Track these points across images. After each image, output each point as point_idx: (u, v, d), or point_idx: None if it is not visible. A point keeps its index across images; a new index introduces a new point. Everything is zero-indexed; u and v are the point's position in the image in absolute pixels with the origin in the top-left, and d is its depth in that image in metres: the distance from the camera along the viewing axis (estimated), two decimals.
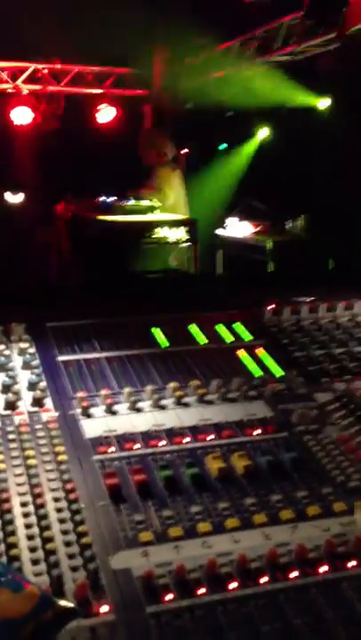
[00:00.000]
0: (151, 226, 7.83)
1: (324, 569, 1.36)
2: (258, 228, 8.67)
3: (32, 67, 8.66)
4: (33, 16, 6.77)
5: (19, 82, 8.66)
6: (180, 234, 8.27)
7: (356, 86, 6.78)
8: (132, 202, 8.09)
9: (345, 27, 4.15)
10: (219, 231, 9.23)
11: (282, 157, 8.43)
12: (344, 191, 7.53)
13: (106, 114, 9.30)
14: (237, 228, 8.99)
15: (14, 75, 8.72)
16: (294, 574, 1.34)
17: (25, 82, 8.74)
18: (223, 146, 9.90)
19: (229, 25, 7.53)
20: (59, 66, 8.78)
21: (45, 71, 8.78)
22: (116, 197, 8.07)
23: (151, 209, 8.10)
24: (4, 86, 8.67)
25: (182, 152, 9.40)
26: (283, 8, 7.10)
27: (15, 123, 8.65)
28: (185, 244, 8.05)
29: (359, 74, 6.71)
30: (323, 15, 3.77)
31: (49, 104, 8.95)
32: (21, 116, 8.67)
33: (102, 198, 8.14)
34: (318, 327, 2.27)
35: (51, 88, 8.93)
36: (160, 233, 7.80)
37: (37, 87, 8.84)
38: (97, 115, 9.23)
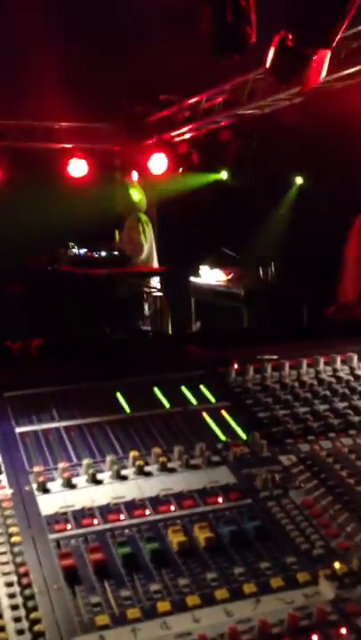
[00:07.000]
0: (125, 277, 7.85)
1: None
2: (229, 276, 8.75)
3: None
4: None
5: None
6: (152, 284, 8.30)
7: None
8: (104, 253, 8.12)
9: (308, 82, 4.22)
10: (192, 279, 9.31)
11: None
12: (313, 240, 7.64)
13: (77, 167, 9.41)
14: (210, 276, 9.06)
15: None
16: None
17: None
18: None
19: (196, 80, 7.70)
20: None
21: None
22: (87, 249, 8.11)
23: (125, 260, 8.13)
24: None
25: None
26: (249, 63, 7.30)
27: None
28: (157, 294, 8.07)
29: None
30: (286, 71, 3.81)
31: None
32: None
33: (74, 250, 8.16)
34: (282, 386, 2.26)
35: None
36: (133, 284, 7.82)
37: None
38: (68, 168, 9.33)
